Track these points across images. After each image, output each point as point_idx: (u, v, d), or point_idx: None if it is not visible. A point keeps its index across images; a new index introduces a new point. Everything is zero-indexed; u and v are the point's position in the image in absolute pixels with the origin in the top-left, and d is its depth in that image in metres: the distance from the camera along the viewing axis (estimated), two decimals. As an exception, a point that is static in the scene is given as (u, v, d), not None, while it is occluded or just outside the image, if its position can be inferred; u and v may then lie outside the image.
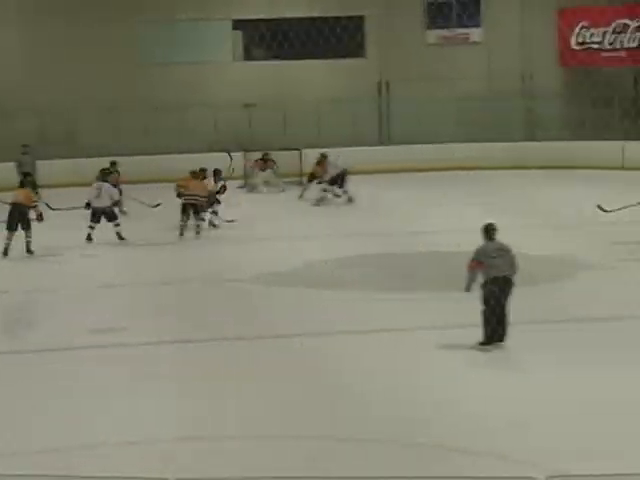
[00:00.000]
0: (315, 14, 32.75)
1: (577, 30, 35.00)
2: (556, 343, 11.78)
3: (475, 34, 35.77)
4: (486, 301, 11.76)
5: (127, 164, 27.92)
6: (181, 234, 20.23)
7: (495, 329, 11.71)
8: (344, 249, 17.86)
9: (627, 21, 34.60)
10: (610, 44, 35.01)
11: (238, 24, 35.21)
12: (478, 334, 11.70)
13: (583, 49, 34.98)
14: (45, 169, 29.28)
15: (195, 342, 12.63)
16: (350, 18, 33.74)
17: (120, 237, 20.35)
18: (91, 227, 20.47)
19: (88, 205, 20.71)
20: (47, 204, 21.40)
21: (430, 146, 32.88)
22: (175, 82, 34.14)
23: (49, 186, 27.33)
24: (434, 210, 22.09)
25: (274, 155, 30.50)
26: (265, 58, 35.14)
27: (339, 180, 25.95)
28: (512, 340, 11.81)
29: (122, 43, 34.19)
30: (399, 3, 35.18)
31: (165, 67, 34.32)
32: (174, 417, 9.85)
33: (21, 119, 32.78)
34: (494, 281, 11.78)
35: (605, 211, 19.12)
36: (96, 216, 20.50)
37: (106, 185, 21.05)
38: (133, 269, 17.33)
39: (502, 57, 35.23)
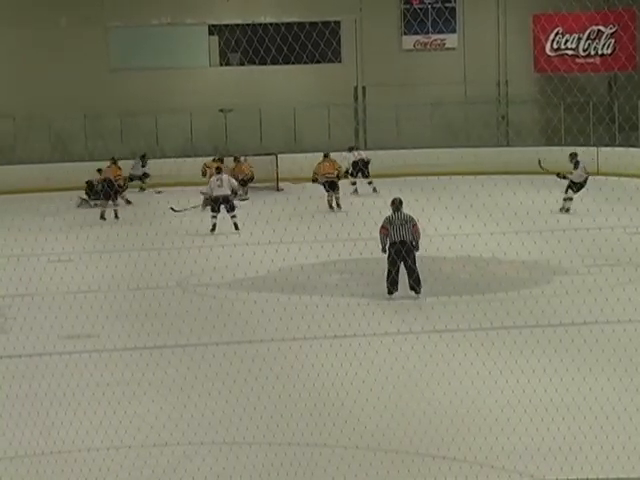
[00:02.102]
0: (291, 19, 32.74)
1: (552, 36, 35.15)
2: (535, 347, 11.79)
3: (451, 40, 35.87)
4: (388, 260, 15.01)
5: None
6: None
7: (393, 282, 14.94)
8: (322, 254, 17.83)
9: (601, 27, 34.77)
10: (584, 50, 35.19)
11: (214, 29, 35.17)
12: (458, 340, 11.68)
13: (558, 55, 35.14)
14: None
15: (170, 347, 12.59)
16: (326, 23, 33.77)
17: (236, 227, 21.41)
18: (214, 217, 21.67)
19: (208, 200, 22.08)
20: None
21: (406, 151, 32.93)
22: (150, 87, 34.08)
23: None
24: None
25: (249, 161, 30.50)
26: (241, 63, 35.13)
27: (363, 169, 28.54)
28: (492, 345, 11.83)
29: (95, 48, 34.11)
30: (375, 9, 35.26)
31: (139, 72, 34.25)
32: (146, 423, 9.79)
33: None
34: (393, 245, 14.92)
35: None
36: (217, 205, 21.69)
37: (225, 176, 22.33)
38: (107, 274, 17.24)
39: (477, 63, 35.36)
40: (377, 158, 31.26)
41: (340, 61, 35.76)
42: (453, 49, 35.85)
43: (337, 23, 35.29)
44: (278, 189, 29.98)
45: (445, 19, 35.17)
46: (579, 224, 18.87)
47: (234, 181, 22.71)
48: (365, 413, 9.91)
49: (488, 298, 15.05)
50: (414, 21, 35.16)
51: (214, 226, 21.64)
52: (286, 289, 16.01)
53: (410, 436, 9.16)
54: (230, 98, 34.28)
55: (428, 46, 35.92)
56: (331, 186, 25.40)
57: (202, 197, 23.72)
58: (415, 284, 14.99)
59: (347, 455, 8.93)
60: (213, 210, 21.83)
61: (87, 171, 30.96)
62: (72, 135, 33.60)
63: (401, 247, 14.84)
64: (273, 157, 31.09)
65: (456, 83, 35.14)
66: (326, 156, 26.56)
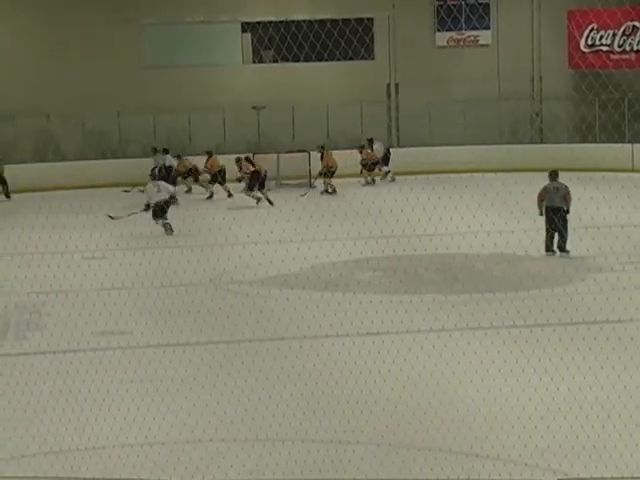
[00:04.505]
0: (324, 16, 32.72)
1: (587, 32, 34.93)
2: (569, 345, 11.71)
3: (484, 36, 35.73)
4: (546, 221, 17.73)
5: (135, 166, 28.03)
6: None
7: (549, 242, 17.63)
8: (353, 252, 17.81)
9: (637, 23, 34.54)
10: (619, 46, 34.95)
11: (247, 26, 35.20)
12: (491, 337, 11.62)
13: (592, 51, 34.91)
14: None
15: (202, 344, 12.61)
16: (359, 20, 33.73)
17: (170, 228, 21.58)
18: (161, 221, 21.79)
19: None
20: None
21: (439, 148, 32.85)
22: (183, 85, 34.17)
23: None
24: (442, 213, 22.00)
25: (283, 158, 30.72)
26: (274, 60, 35.14)
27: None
28: (525, 342, 11.77)
29: (128, 45, 34.26)
30: (408, 5, 35.18)
31: (173, 70, 34.34)
32: (179, 420, 9.82)
33: (25, 120, 32.85)
34: (548, 209, 17.67)
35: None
36: (160, 210, 21.82)
37: (162, 183, 22.68)
38: (140, 271, 17.30)
39: (511, 59, 35.20)
40: (410, 155, 31.27)
41: (373, 58, 35.70)
42: (487, 46, 35.70)
43: (370, 20, 35.24)
44: (311, 186, 30.02)
45: (479, 15, 35.03)
46: (614, 221, 18.72)
47: (171, 187, 22.68)
48: (397, 411, 9.88)
49: (521, 295, 14.98)
50: (447, 18, 35.07)
51: (169, 228, 21.58)
52: (318, 286, 16.00)
53: (443, 434, 9.13)
54: (263, 95, 34.32)
55: (461, 43, 35.80)
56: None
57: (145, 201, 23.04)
58: (562, 244, 17.60)
59: (379, 452, 8.91)
60: (157, 216, 21.62)
61: (120, 168, 31.19)
62: (106, 132, 33.75)
63: (553, 212, 17.55)
64: (306, 154, 31.11)
65: (489, 80, 35.00)
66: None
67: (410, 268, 16.28)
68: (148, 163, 30.41)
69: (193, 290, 15.96)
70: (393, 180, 31.16)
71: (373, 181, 31.33)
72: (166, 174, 29.05)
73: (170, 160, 30.55)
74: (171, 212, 22.35)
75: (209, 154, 29.87)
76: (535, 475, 8.41)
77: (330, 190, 29.01)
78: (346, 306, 14.01)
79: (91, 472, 8.51)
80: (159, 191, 21.78)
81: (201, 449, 9.10)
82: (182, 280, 16.34)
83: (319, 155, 30.00)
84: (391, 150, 32.22)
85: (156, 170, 29.68)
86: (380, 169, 31.73)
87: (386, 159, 31.74)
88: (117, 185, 30.67)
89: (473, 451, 8.83)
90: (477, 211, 19.96)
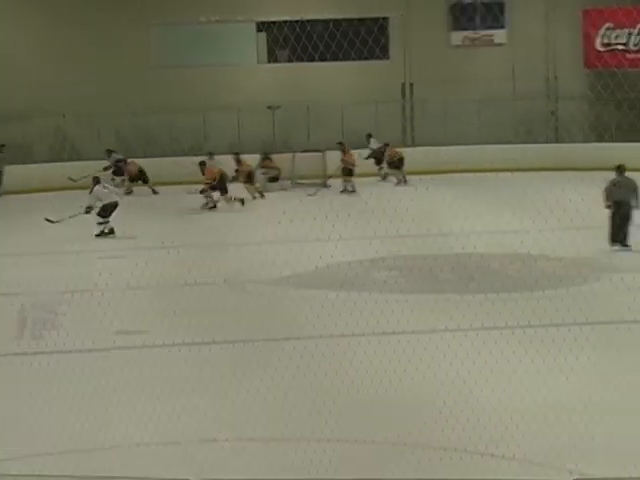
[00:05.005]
0: (339, 16, 32.74)
1: (602, 31, 34.84)
2: (585, 345, 11.69)
3: (499, 35, 35.67)
4: (612, 215, 17.87)
5: (153, 166, 28.09)
6: None
7: (615, 232, 17.78)
8: (369, 251, 17.83)
9: (653, 22, 34.43)
10: (635, 45, 34.85)
11: (262, 26, 35.23)
12: (507, 337, 11.60)
13: (608, 50, 34.82)
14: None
15: (218, 344, 12.63)
16: (374, 20, 33.73)
17: (112, 232, 21.67)
18: (107, 222, 21.62)
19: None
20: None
21: (454, 148, 32.81)
22: (198, 85, 34.21)
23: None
24: (458, 212, 22.02)
25: (298, 157, 30.80)
26: (289, 60, 35.15)
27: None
28: (540, 342, 11.76)
29: (143, 45, 34.31)
30: (423, 5, 35.16)
31: (188, 69, 34.40)
32: (195, 419, 9.85)
33: (35, 120, 32.97)
34: (614, 203, 17.88)
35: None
36: (108, 212, 21.75)
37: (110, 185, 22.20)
38: (157, 270, 17.33)
39: (526, 58, 35.13)
40: (425, 155, 31.23)
41: (388, 58, 35.68)
42: (502, 45, 35.65)
43: (385, 19, 35.23)
44: (326, 185, 30.03)
45: (494, 15, 34.97)
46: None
47: (115, 188, 22.87)
48: (413, 410, 9.89)
49: (536, 295, 14.97)
50: (462, 17, 35.02)
51: (106, 231, 21.59)
52: (334, 286, 16.01)
53: (459, 433, 9.13)
54: (278, 95, 34.34)
55: (476, 42, 35.75)
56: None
57: (84, 205, 22.45)
58: (624, 238, 17.83)
59: (395, 452, 8.92)
60: (104, 216, 21.64)
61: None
62: (120, 133, 33.83)
63: (618, 206, 17.86)
64: (321, 154, 31.14)
65: (505, 79, 34.94)
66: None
67: (426, 267, 16.27)
68: (163, 162, 30.50)
69: (209, 290, 16.00)
70: (384, 179, 31.40)
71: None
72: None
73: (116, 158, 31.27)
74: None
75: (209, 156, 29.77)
76: (551, 475, 8.41)
77: (350, 189, 28.92)
78: (362, 305, 14.02)
79: (106, 471, 8.54)
80: (110, 193, 21.89)
81: (217, 448, 9.13)
82: (198, 280, 16.38)
83: (341, 152, 29.88)
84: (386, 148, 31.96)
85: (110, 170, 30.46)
86: (381, 168, 31.81)
87: (379, 158, 31.79)
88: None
89: (488, 451, 8.84)
90: (492, 210, 19.97)
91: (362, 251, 17.85)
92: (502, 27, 35.52)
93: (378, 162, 31.61)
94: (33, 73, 33.50)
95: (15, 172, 31.15)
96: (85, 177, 23.81)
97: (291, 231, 18.79)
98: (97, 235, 21.46)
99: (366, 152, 31.45)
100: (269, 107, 34.18)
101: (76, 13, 33.89)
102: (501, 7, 35.36)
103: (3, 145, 31.88)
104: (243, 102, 33.89)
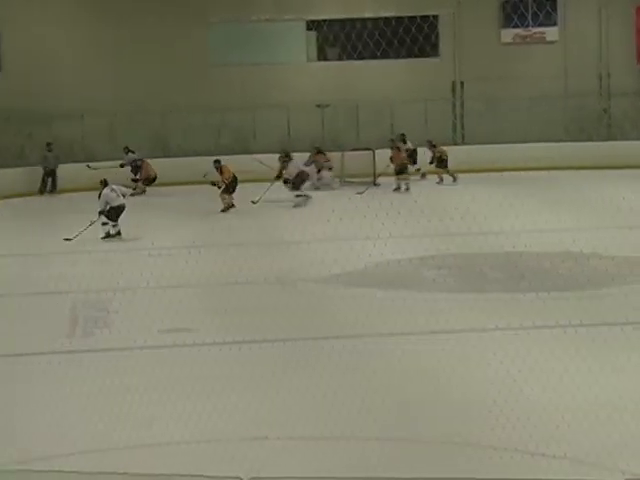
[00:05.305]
0: (389, 14, 32.69)
1: (655, 28, 34.51)
2: (637, 344, 11.59)
3: (551, 33, 35.41)
4: None
5: (200, 164, 28.17)
6: None
7: None
8: (418, 249, 17.79)
9: None
10: (688, 41, 34.49)
11: (312, 24, 35.26)
12: (558, 336, 11.53)
13: (661, 47, 34.49)
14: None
15: (270, 342, 12.64)
16: (424, 18, 33.62)
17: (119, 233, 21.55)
18: (115, 225, 21.67)
19: None
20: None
21: (504, 146, 32.64)
22: (248, 83, 34.33)
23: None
24: (508, 211, 21.89)
25: (347, 156, 30.82)
26: (339, 58, 35.16)
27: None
28: (592, 341, 11.66)
29: (194, 44, 34.49)
30: (474, 2, 35.03)
31: (238, 68, 34.51)
32: (246, 417, 9.87)
33: (89, 120, 33.24)
34: None
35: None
36: (117, 215, 21.61)
37: (117, 187, 22.09)
38: (206, 269, 17.40)
39: (578, 56, 34.86)
40: (475, 153, 31.09)
41: (438, 56, 35.58)
42: (554, 42, 35.39)
43: (435, 17, 35.12)
44: (375, 184, 29.98)
45: (546, 12, 34.71)
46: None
47: (124, 188, 22.66)
48: (462, 409, 9.85)
49: (588, 294, 14.84)
50: (514, 14, 34.80)
51: (112, 233, 21.53)
52: (383, 284, 15.98)
53: (509, 433, 9.07)
54: (327, 93, 34.37)
55: (528, 39, 35.52)
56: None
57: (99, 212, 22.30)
58: None
59: (444, 451, 8.88)
60: (112, 219, 21.56)
61: (184, 166, 31.41)
62: (171, 131, 34.02)
63: None
64: (370, 152, 31.10)
65: (556, 77, 34.70)
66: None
67: (475, 266, 16.20)
68: (207, 162, 30.61)
69: (259, 288, 16.02)
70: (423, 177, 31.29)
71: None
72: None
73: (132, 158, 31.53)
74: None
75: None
76: (603, 475, 8.33)
77: (404, 187, 28.74)
78: (411, 304, 13.98)
79: (155, 468, 8.57)
80: (118, 196, 21.83)
81: (267, 446, 9.14)
82: (248, 278, 16.41)
83: (398, 148, 29.76)
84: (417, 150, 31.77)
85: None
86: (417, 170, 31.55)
87: (413, 157, 31.50)
88: (179, 183, 30.85)
89: (539, 450, 8.77)
90: (543, 209, 19.82)
91: (412, 249, 17.79)
92: (554, 24, 35.27)
93: (414, 162, 31.31)
94: (83, 73, 33.80)
95: (66, 170, 31.43)
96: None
97: (340, 229, 18.78)
98: (103, 238, 21.43)
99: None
100: (318, 105, 34.21)
101: (124, 13, 34.13)
102: (553, 4, 35.09)
103: (50, 143, 32.11)
104: (292, 101, 33.95)
